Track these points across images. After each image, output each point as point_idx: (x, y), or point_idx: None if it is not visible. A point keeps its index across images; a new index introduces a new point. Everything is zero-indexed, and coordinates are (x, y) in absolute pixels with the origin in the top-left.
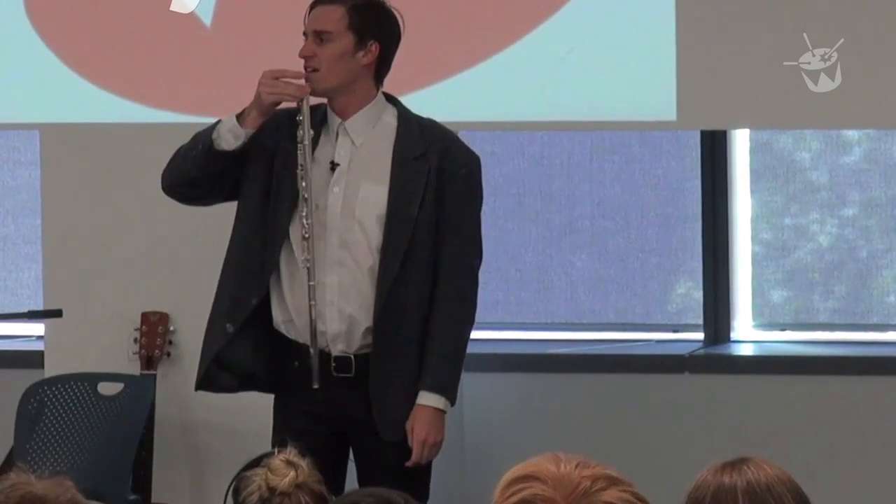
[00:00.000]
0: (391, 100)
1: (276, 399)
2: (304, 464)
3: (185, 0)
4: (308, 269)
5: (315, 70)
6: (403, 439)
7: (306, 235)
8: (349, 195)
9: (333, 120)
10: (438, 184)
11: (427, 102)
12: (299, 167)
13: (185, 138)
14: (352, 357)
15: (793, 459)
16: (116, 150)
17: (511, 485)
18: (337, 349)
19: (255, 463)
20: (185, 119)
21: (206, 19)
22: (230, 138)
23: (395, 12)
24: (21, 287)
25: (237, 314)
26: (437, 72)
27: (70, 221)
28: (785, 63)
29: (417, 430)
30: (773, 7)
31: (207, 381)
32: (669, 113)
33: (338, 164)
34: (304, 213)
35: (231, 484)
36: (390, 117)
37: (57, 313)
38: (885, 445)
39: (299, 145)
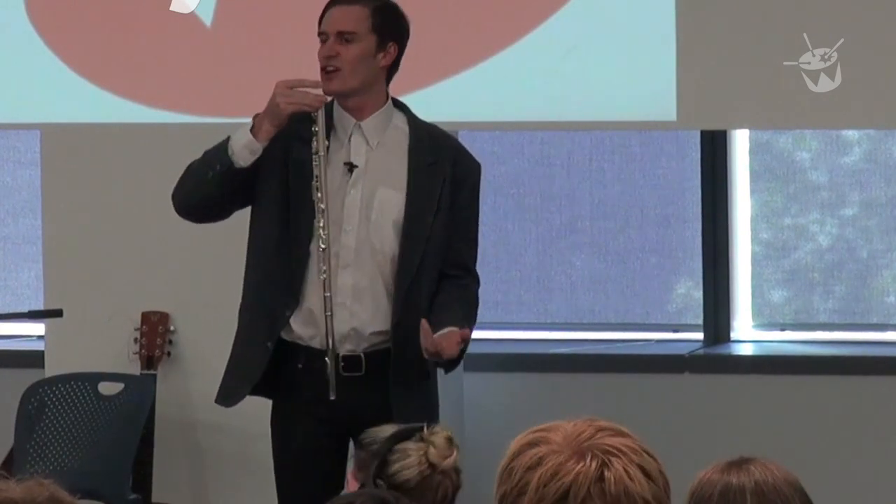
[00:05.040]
0: (398, 105)
1: (274, 402)
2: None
3: (186, 0)
4: (325, 280)
5: (337, 70)
6: None
7: (323, 247)
8: (366, 198)
9: (346, 120)
10: (450, 191)
11: (427, 102)
12: (315, 178)
13: (185, 138)
14: (361, 356)
15: (793, 459)
16: (116, 150)
17: (524, 445)
18: (345, 349)
19: (404, 436)
20: (185, 119)
21: (206, 19)
22: (247, 154)
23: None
24: (21, 287)
25: (275, 329)
26: (437, 72)
27: (70, 221)
28: (785, 63)
29: (446, 347)
30: (773, 7)
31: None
32: (669, 113)
33: (356, 166)
34: (321, 225)
35: (382, 452)
36: (401, 122)
37: (57, 313)
38: (885, 445)
39: (314, 156)
